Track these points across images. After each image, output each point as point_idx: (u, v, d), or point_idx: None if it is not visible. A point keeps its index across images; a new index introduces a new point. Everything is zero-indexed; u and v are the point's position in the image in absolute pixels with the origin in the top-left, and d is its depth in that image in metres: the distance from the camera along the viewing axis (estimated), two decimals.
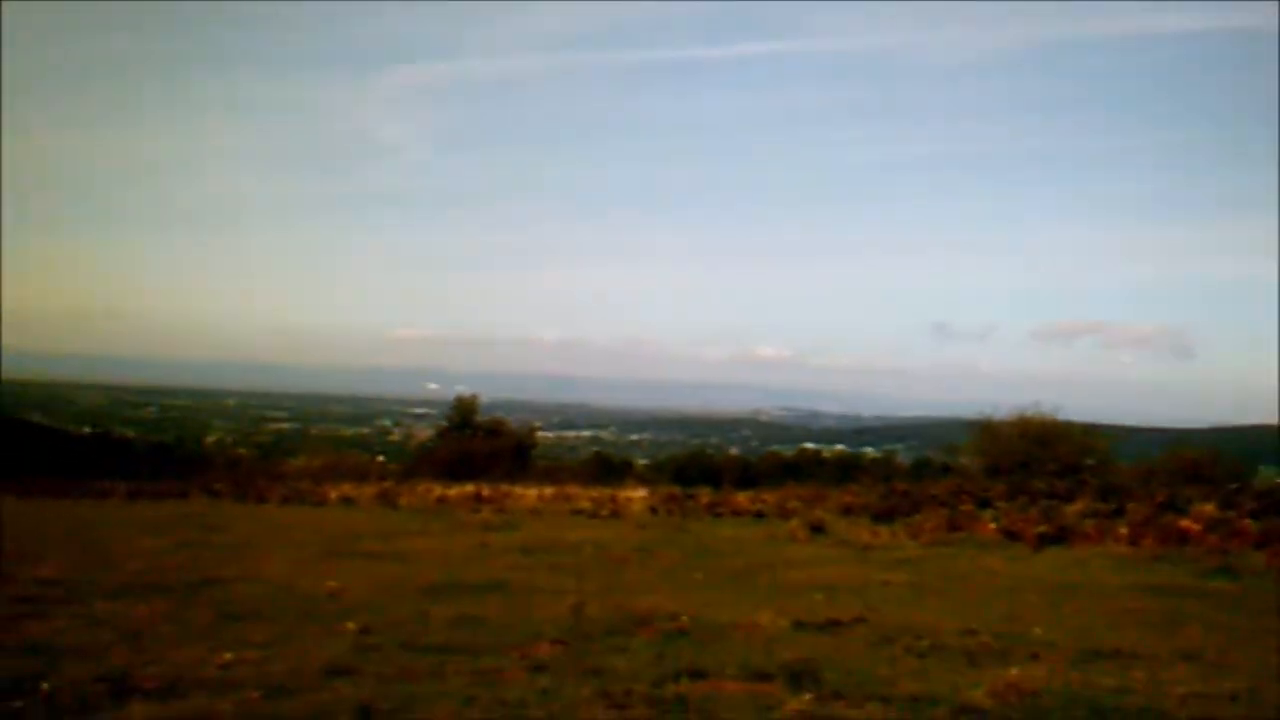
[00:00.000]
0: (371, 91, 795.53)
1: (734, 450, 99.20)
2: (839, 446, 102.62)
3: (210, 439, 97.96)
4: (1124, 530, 19.03)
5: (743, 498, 28.18)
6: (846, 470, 50.31)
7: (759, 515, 24.58)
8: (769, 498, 27.95)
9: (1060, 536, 18.86)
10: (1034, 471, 32.20)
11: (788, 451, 76.02)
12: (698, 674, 8.09)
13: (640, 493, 30.50)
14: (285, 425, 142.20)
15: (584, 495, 29.07)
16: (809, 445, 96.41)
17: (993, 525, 20.23)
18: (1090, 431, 38.73)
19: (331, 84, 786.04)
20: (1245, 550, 17.34)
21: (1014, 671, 8.24)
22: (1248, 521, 19.23)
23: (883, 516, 22.56)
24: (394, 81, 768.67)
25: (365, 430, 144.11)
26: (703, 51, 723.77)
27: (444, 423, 57.17)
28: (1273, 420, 66.10)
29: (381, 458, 69.04)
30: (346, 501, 29.03)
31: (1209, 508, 20.69)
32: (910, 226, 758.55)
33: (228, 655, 8.53)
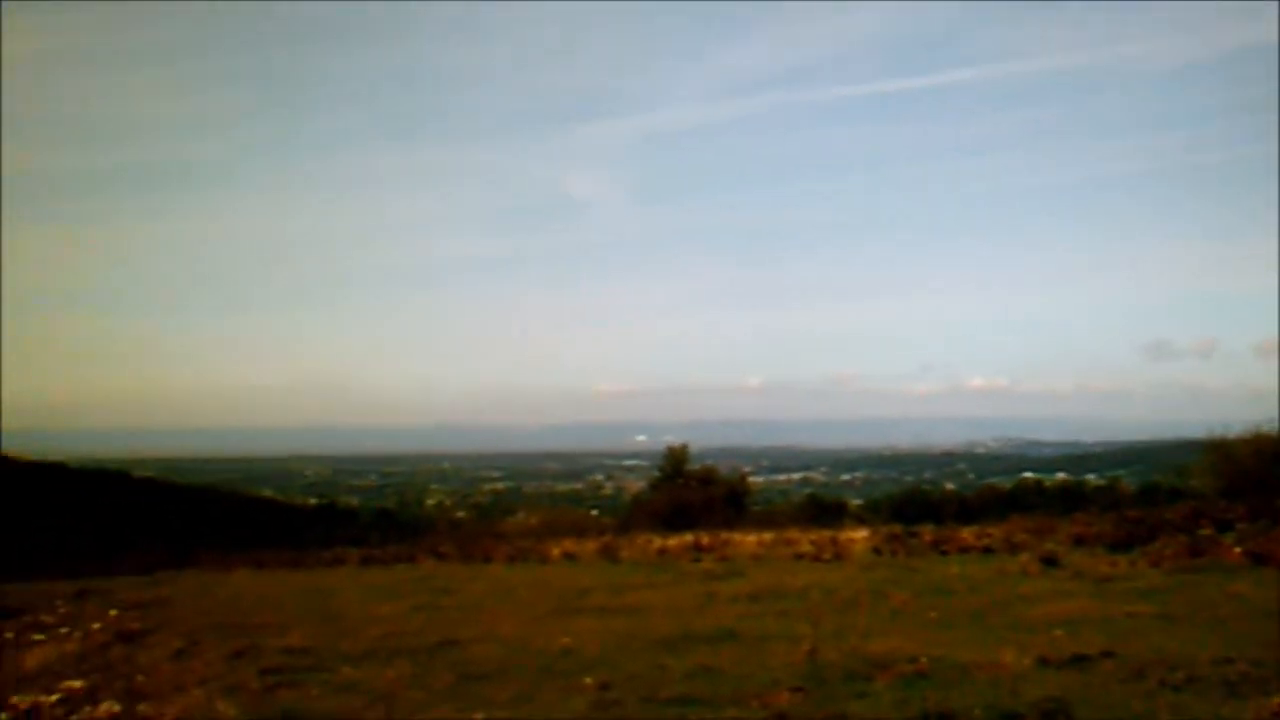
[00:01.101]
0: (564, 149, 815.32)
1: (950, 485, 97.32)
2: (1060, 475, 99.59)
3: (430, 502, 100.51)
4: None
5: (967, 533, 27.43)
6: (1070, 499, 48.75)
7: (986, 550, 23.91)
8: (994, 532, 27.15)
9: None
10: (1274, 491, 30.52)
11: (1006, 483, 74.14)
12: (944, 716, 7.97)
13: (860, 533, 30.05)
14: (501, 485, 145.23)
15: (804, 538, 28.69)
16: (1029, 475, 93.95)
17: (1237, 549, 19.23)
18: None
19: (525, 145, 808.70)
20: None
21: (1277, 700, 7.84)
22: None
23: (1119, 546, 21.70)
24: (584, 138, 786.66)
25: (578, 485, 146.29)
26: (886, 85, 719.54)
27: (656, 474, 57.55)
28: None
29: (595, 512, 69.80)
30: (569, 558, 29.33)
31: None
32: (1121, 243, 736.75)
33: (478, 716, 8.74)
